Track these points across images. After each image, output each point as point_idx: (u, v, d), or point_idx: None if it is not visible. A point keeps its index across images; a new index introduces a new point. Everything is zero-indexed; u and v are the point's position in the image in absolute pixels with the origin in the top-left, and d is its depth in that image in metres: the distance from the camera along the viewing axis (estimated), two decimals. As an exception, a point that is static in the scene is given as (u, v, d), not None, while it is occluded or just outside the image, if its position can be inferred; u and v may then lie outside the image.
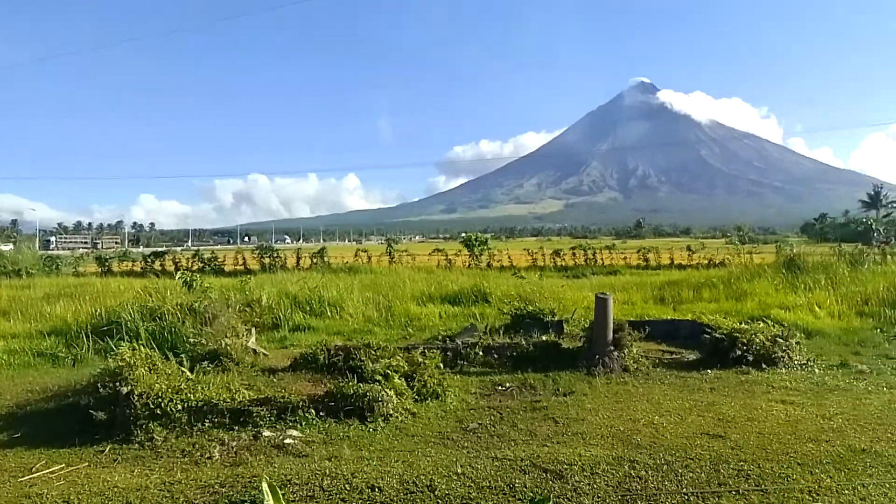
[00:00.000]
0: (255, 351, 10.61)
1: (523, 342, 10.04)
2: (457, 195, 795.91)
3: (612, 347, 9.44)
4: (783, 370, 9.15)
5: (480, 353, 9.79)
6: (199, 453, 5.96)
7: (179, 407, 6.57)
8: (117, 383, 6.88)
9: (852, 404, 7.31)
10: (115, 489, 5.11)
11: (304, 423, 6.73)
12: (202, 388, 7.10)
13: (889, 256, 27.79)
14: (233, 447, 6.11)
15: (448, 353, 9.79)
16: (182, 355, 8.82)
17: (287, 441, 6.25)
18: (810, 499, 4.59)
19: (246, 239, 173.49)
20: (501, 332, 11.81)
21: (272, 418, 6.80)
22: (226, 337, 10.14)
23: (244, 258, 36.28)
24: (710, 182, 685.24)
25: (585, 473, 5.13)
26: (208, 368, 8.35)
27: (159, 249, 45.97)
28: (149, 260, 35.79)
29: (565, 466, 5.26)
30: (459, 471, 5.18)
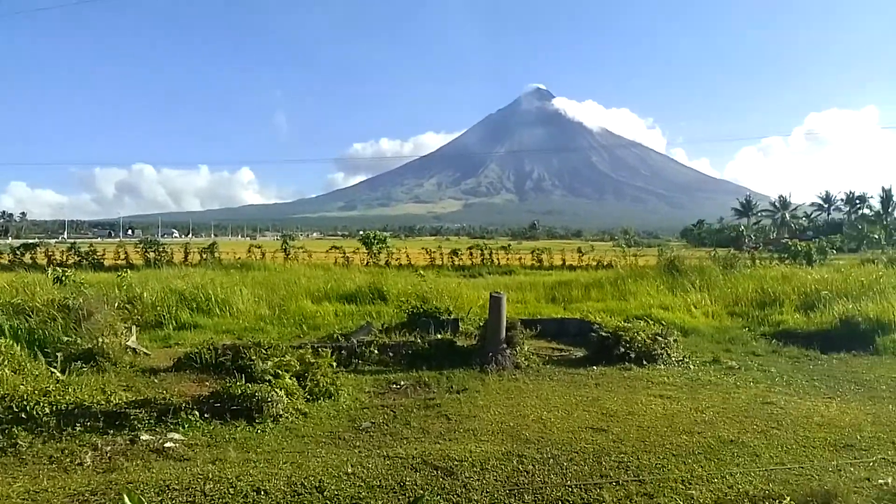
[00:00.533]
0: (135, 350, 10.03)
1: (419, 340, 10.08)
2: (356, 192, 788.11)
3: (504, 345, 9.64)
4: (662, 366, 9.68)
5: (376, 351, 9.73)
6: (68, 459, 5.54)
7: (47, 410, 6.09)
8: (-26, 386, 6.30)
9: (722, 398, 7.83)
10: (-30, 501, 4.66)
11: (187, 426, 6.41)
12: (74, 389, 6.64)
13: (758, 261, 30.09)
14: (107, 452, 5.73)
15: (343, 351, 9.67)
16: (53, 355, 8.21)
17: (168, 445, 5.94)
18: (683, 487, 4.86)
19: (130, 232, 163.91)
20: (398, 331, 11.79)
21: (152, 421, 6.43)
22: (103, 335, 9.52)
23: (126, 252, 34.15)
24: (599, 187, 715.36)
25: (475, 469, 5.19)
26: (83, 369, 7.81)
27: (30, 241, 42.42)
28: (18, 252, 32.93)
29: (456, 463, 5.30)
30: (350, 471, 5.11)
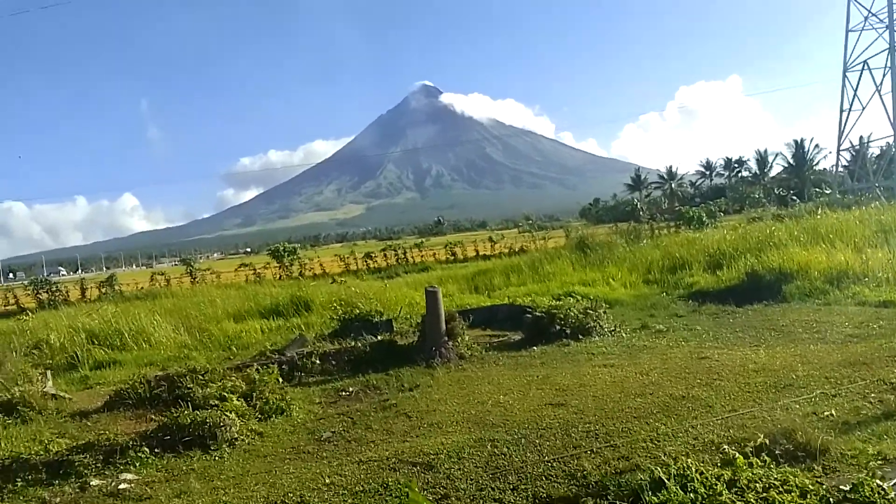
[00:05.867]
0: (55, 396, 9.35)
1: (359, 345, 9.95)
2: (253, 207, 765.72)
3: (446, 338, 9.68)
4: (597, 338, 10.02)
5: (317, 361, 9.52)
6: (15, 518, 5.11)
7: (-20, 469, 5.59)
8: None
9: (661, 359, 8.22)
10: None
11: (138, 464, 6.05)
12: (5, 443, 6.11)
13: (656, 231, 31.70)
14: (57, 503, 5.33)
15: (283, 366, 9.40)
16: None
17: (122, 486, 5.59)
18: (654, 446, 5.08)
19: (11, 276, 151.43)
20: (330, 339, 11.58)
21: (98, 464, 6.03)
22: (17, 384, 8.84)
23: (15, 296, 31.71)
24: (497, 177, 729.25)
25: (453, 460, 5.21)
26: (7, 422, 7.20)
27: None
28: None
29: (432, 457, 5.30)
30: (327, 481, 5.00)
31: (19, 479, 5.68)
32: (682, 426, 5.43)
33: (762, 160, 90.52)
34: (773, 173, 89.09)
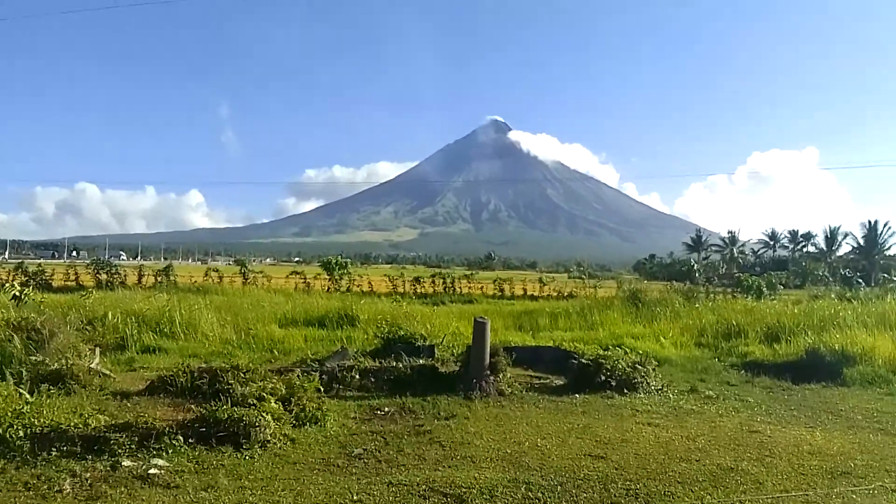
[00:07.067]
0: (100, 373, 9.55)
1: (401, 366, 9.87)
2: (311, 219, 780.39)
3: (488, 372, 9.52)
4: (643, 395, 9.68)
5: (357, 376, 9.49)
6: (45, 486, 5.16)
7: (21, 433, 5.69)
8: (-61, 407, 5.86)
9: (709, 427, 7.86)
10: (-59, 532, 4.29)
11: (170, 451, 6.06)
12: (47, 412, 6.23)
13: (713, 295, 30.84)
14: (86, 479, 5.36)
15: (322, 376, 9.38)
16: (17, 375, 7.78)
17: (152, 471, 5.61)
18: (697, 515, 4.81)
19: (75, 253, 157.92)
20: (371, 357, 11.54)
21: (133, 446, 6.06)
22: (68, 357, 9.06)
23: (76, 273, 33.00)
24: (554, 219, 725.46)
25: (485, 497, 5.05)
26: (51, 391, 7.36)
27: (-29, 260, 40.60)
28: (-42, 272, 31.46)
29: (464, 490, 5.15)
30: (355, 498, 4.91)
31: (55, 450, 5.76)
32: (729, 499, 5.14)
33: (831, 237, 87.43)
34: (840, 252, 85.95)
